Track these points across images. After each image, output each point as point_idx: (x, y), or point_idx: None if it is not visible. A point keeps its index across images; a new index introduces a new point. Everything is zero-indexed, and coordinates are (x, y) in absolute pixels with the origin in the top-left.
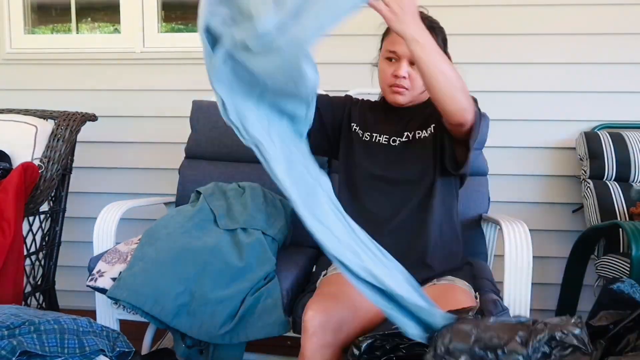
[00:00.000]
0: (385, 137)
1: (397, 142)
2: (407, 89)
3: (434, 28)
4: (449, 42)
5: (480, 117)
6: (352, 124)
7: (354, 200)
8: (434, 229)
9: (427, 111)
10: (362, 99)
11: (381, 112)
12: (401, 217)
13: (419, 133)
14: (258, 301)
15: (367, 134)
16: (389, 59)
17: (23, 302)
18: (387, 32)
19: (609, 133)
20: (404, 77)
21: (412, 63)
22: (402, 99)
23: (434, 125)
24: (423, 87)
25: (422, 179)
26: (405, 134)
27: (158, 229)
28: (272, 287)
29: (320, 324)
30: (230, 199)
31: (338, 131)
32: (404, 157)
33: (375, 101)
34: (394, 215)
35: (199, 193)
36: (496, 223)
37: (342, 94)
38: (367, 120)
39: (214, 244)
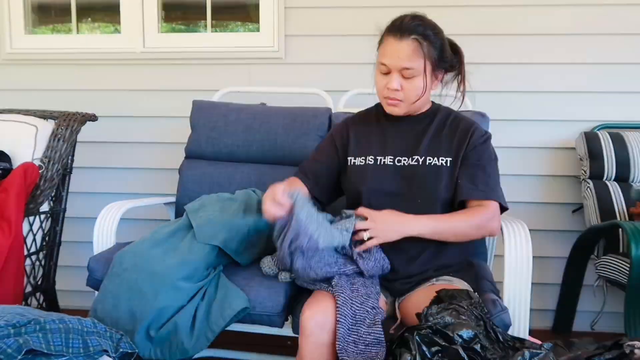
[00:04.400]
0: (390, 158)
1: (406, 163)
2: (400, 100)
3: (428, 36)
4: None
5: (504, 208)
6: (349, 159)
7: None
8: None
9: (454, 143)
10: (351, 120)
11: (379, 129)
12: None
13: (429, 159)
14: (210, 295)
15: (371, 158)
16: (381, 71)
17: (23, 302)
18: (381, 41)
19: (609, 133)
20: (397, 90)
21: (403, 75)
22: (398, 110)
23: (450, 159)
24: (418, 96)
25: (429, 202)
26: (416, 157)
27: (127, 256)
28: (213, 278)
29: (317, 324)
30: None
31: (339, 175)
32: (412, 181)
33: (371, 111)
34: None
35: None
36: None
37: (342, 94)
38: (365, 143)
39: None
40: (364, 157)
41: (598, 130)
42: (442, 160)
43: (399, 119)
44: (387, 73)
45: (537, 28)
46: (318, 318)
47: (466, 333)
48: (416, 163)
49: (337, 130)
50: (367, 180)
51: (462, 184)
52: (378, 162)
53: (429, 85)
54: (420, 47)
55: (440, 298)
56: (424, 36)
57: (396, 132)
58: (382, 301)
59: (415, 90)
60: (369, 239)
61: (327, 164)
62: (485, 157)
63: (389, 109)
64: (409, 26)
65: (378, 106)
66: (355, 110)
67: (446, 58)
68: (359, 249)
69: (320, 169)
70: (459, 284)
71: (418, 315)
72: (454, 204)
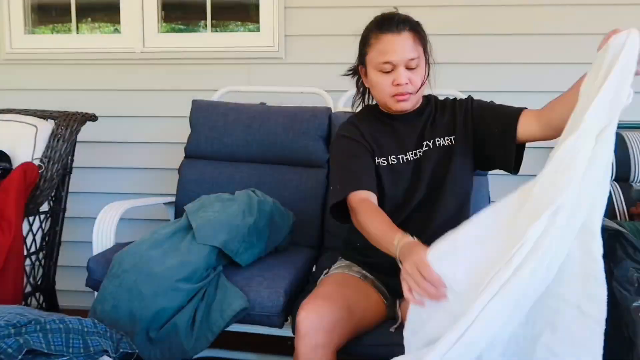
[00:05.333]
0: (410, 154)
1: (420, 154)
2: (410, 93)
3: (418, 24)
4: (449, 42)
5: None
6: (376, 160)
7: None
8: None
9: (445, 119)
10: (356, 120)
11: (388, 127)
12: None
13: (438, 140)
14: (210, 296)
15: (393, 157)
16: (384, 70)
17: (23, 302)
18: (369, 43)
19: None
20: (406, 84)
21: (408, 67)
22: (409, 105)
23: (453, 137)
24: (422, 84)
25: (453, 187)
26: (425, 142)
27: (127, 257)
28: (213, 278)
29: (312, 325)
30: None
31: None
32: (429, 168)
33: (368, 115)
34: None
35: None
36: None
37: (342, 94)
38: (383, 143)
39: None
40: (385, 158)
41: None
42: (447, 140)
43: (402, 116)
44: (391, 71)
45: (538, 28)
46: (312, 318)
47: None
48: (427, 148)
49: (352, 132)
50: (394, 181)
51: (506, 116)
52: (400, 161)
53: (428, 72)
54: (418, 35)
55: None
56: (416, 24)
57: (403, 126)
58: (380, 303)
59: (421, 79)
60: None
61: (369, 164)
62: (484, 103)
63: (400, 106)
64: (402, 19)
65: (370, 108)
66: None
67: (427, 53)
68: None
69: (369, 168)
70: None
71: None
72: (490, 163)
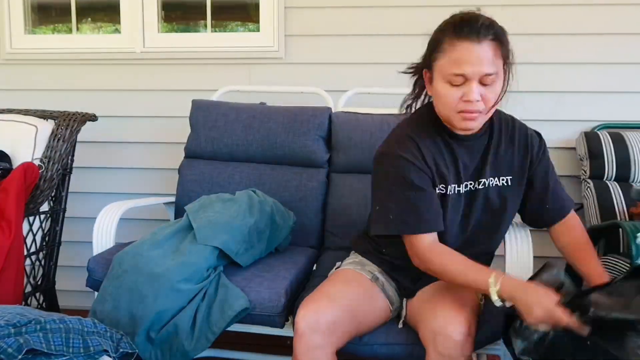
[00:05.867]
0: (465, 185)
1: (473, 187)
2: (480, 112)
3: (502, 34)
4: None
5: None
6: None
7: None
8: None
9: (509, 156)
10: (417, 136)
11: (449, 151)
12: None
13: (496, 179)
14: (210, 296)
15: (448, 187)
16: (453, 83)
17: (23, 302)
18: (441, 48)
19: (609, 133)
20: (478, 101)
21: (483, 82)
22: (475, 124)
23: (510, 177)
24: (495, 103)
25: (498, 225)
26: (482, 180)
27: (127, 257)
28: (214, 279)
29: (309, 325)
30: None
31: None
32: (483, 206)
33: (428, 130)
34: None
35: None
36: None
37: (342, 94)
38: (442, 168)
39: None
40: (444, 186)
41: (598, 130)
42: (502, 180)
43: (464, 137)
44: (461, 84)
45: (537, 28)
46: (311, 319)
47: None
48: (483, 187)
49: (413, 155)
50: (446, 213)
51: (551, 208)
52: (454, 191)
53: (505, 89)
54: (500, 47)
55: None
56: (500, 34)
57: (465, 152)
58: (385, 308)
59: (495, 97)
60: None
61: (434, 199)
62: (550, 168)
63: (465, 124)
64: (486, 25)
65: (433, 119)
66: (355, 109)
67: (509, 60)
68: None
69: (435, 205)
70: None
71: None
72: (534, 220)
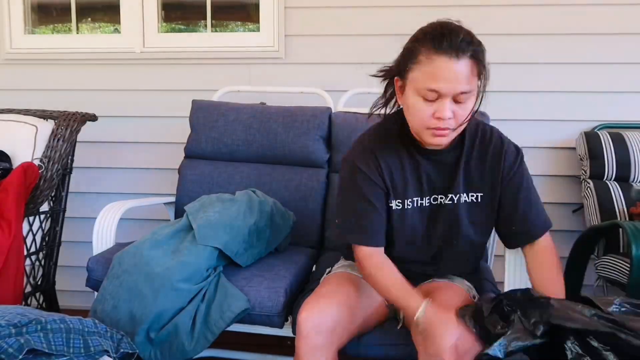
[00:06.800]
0: (428, 200)
1: (442, 202)
2: (451, 129)
3: (480, 51)
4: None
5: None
6: (390, 202)
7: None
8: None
9: (480, 171)
10: (376, 149)
11: (413, 166)
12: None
13: (464, 197)
14: (210, 297)
15: (405, 201)
16: (426, 97)
17: (23, 302)
18: (417, 60)
19: (609, 133)
20: (450, 118)
21: (456, 100)
22: (445, 140)
23: (481, 194)
24: (466, 119)
25: (466, 243)
26: (450, 196)
27: (127, 257)
28: (213, 279)
29: (313, 325)
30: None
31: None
32: (449, 223)
33: (391, 141)
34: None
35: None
36: None
37: (342, 94)
38: (401, 182)
39: (165, 267)
40: (401, 201)
41: (598, 130)
42: (472, 196)
43: (431, 151)
44: (434, 100)
45: (537, 28)
46: (314, 320)
47: None
48: (450, 202)
49: (369, 167)
50: (405, 227)
51: (518, 231)
52: (415, 205)
53: (478, 106)
54: (477, 64)
55: None
56: (478, 52)
57: (432, 166)
58: (382, 304)
59: (466, 114)
60: None
61: (382, 217)
62: (522, 187)
63: (435, 140)
64: (466, 42)
65: (401, 130)
66: (355, 110)
67: (484, 71)
68: None
69: (382, 223)
70: (460, 283)
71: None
72: (506, 237)
